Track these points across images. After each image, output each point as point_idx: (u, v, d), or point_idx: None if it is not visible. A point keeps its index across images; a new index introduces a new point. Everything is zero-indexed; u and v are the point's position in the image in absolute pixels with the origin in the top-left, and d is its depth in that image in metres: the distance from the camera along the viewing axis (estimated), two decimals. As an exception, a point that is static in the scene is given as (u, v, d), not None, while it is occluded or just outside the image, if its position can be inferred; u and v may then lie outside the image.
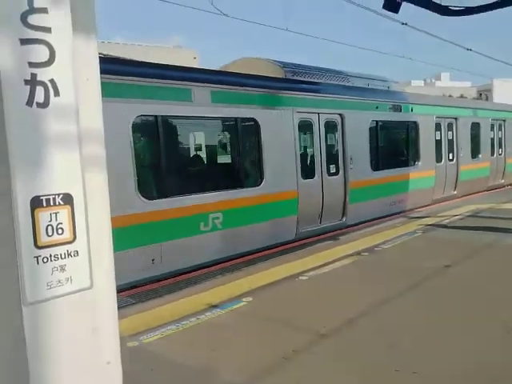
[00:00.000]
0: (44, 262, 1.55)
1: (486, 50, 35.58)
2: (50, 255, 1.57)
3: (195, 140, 8.31)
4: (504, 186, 17.09)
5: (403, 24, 11.70)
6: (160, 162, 6.86)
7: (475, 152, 15.01)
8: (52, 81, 1.65)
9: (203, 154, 8.45)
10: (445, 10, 9.23)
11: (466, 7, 9.24)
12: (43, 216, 1.56)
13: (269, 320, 4.53)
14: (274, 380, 3.39)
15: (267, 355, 3.75)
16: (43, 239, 1.55)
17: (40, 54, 1.64)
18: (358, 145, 10.27)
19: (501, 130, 16.97)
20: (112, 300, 1.74)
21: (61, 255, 1.59)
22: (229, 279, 6.03)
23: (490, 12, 9.09)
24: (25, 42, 1.60)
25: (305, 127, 9.33)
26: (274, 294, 5.34)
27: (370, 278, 5.81)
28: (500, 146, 16.91)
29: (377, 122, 11.00)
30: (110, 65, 6.34)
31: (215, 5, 12.45)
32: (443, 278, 5.70)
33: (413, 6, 8.89)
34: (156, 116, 6.72)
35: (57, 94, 1.66)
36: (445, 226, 9.07)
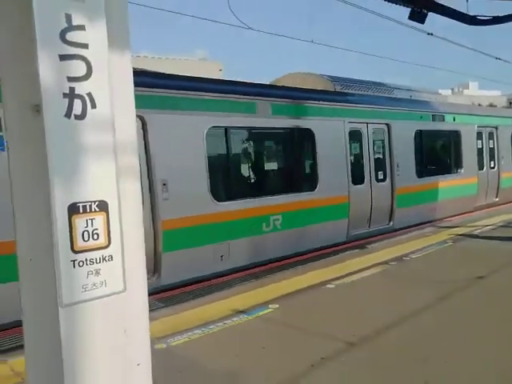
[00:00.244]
0: (80, 266, 1.63)
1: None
2: (86, 259, 1.65)
3: (258, 149, 9.09)
4: None
5: (429, 34, 11.56)
6: (228, 169, 7.83)
7: None
8: (89, 94, 1.74)
9: (265, 162, 9.18)
10: (472, 20, 9.10)
11: (494, 16, 9.08)
12: (80, 222, 1.64)
13: (295, 327, 4.53)
14: (299, 387, 3.39)
15: (294, 362, 3.75)
16: (79, 244, 1.64)
17: (78, 68, 1.72)
18: (403, 153, 10.83)
19: None
20: (143, 303, 1.81)
21: (96, 260, 1.67)
22: (255, 285, 6.06)
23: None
24: (64, 57, 1.69)
25: (355, 136, 9.95)
26: (301, 301, 5.34)
27: (398, 289, 5.73)
28: None
29: (421, 131, 11.50)
30: (187, 82, 7.25)
31: (240, 18, 12.63)
32: (476, 289, 5.55)
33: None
34: (225, 127, 7.53)
35: (93, 106, 1.75)
36: (476, 236, 8.84)
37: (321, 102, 9.10)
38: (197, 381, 3.59)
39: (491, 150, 14.21)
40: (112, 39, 1.83)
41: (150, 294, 6.57)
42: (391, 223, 10.53)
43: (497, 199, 14.29)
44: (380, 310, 4.94)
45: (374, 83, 11.39)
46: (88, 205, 1.67)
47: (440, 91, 16.50)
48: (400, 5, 9.86)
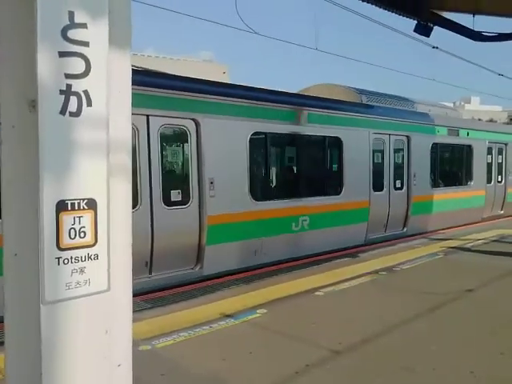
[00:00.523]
0: (65, 264, 1.62)
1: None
2: (71, 257, 1.64)
3: (292, 154, 9.71)
4: None
5: (434, 47, 11.65)
6: (266, 171, 8.58)
7: None
8: (86, 92, 1.74)
9: (297, 166, 9.79)
10: (477, 36, 9.17)
11: (499, 33, 9.15)
12: (67, 219, 1.63)
13: (282, 333, 4.54)
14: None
15: (279, 368, 3.75)
16: (65, 241, 1.63)
17: (77, 66, 1.72)
18: (420, 164, 11.59)
19: None
20: (127, 304, 1.80)
21: (81, 258, 1.66)
22: (245, 290, 6.06)
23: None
24: (63, 54, 1.68)
25: (377, 146, 10.66)
26: (289, 307, 5.34)
27: (386, 298, 5.74)
28: None
29: (437, 144, 12.28)
30: (234, 90, 7.94)
31: (246, 22, 12.73)
32: (465, 301, 5.57)
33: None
34: (266, 133, 8.18)
35: (89, 104, 1.74)
36: (468, 250, 8.88)
37: (350, 113, 9.80)
38: None
39: (499, 165, 15.12)
40: (113, 38, 1.82)
41: (191, 283, 6.84)
42: (405, 229, 11.23)
43: (502, 212, 15.13)
44: (368, 318, 4.95)
45: (396, 97, 12.16)
46: (77, 202, 1.66)
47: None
48: (405, 17, 9.92)
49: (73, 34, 1.70)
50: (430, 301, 5.54)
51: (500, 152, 15.19)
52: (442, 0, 9.76)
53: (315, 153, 9.98)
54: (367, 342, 4.29)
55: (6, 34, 1.68)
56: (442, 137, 12.48)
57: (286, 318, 4.98)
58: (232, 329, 4.59)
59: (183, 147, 7.30)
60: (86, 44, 1.73)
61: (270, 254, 8.09)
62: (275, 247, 8.20)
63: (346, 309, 5.34)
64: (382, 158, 10.81)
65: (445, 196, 12.46)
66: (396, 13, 9.44)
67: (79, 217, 1.66)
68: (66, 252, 1.62)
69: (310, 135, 9.13)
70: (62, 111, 1.68)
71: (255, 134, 7.92)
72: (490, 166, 14.59)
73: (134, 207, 6.23)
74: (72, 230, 1.64)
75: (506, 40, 10.20)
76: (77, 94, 1.72)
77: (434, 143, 12.09)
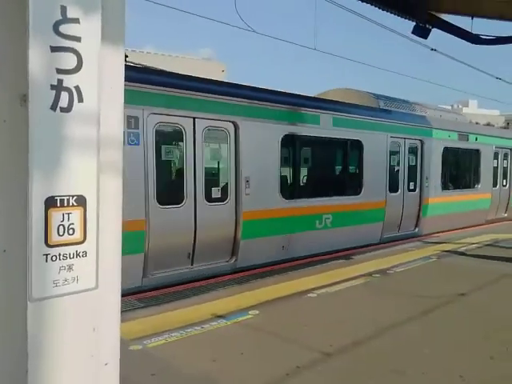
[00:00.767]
0: (53, 261, 1.60)
1: (518, 78, 34.77)
2: (59, 254, 1.62)
3: (317, 156, 10.34)
4: None
5: (432, 50, 11.68)
6: (294, 171, 9.00)
7: None
8: (77, 87, 1.72)
9: (322, 167, 10.52)
10: (475, 39, 9.19)
11: (497, 37, 9.18)
12: (56, 216, 1.61)
13: (273, 334, 4.52)
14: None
15: (270, 370, 3.74)
16: (54, 238, 1.60)
17: (68, 61, 1.70)
18: (432, 167, 12.12)
19: None
20: (115, 302, 1.78)
21: (69, 255, 1.64)
22: (238, 290, 6.05)
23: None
24: (55, 49, 1.66)
25: (394, 149, 11.16)
26: (281, 309, 5.33)
27: (379, 301, 5.75)
28: None
29: (448, 148, 12.78)
30: (268, 95, 8.41)
31: (245, 20, 12.72)
32: (458, 305, 5.58)
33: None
34: (295, 135, 8.66)
35: (80, 100, 1.72)
36: (461, 254, 8.91)
37: (370, 118, 10.32)
38: None
39: (505, 170, 15.76)
40: (107, 34, 1.81)
41: (227, 274, 6.99)
42: (416, 229, 11.75)
43: (505, 215, 15.72)
44: (360, 320, 4.95)
45: (411, 102, 12.65)
46: (66, 199, 1.64)
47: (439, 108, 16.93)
48: (404, 18, 9.92)
49: (65, 28, 1.68)
50: (422, 304, 5.54)
51: (505, 157, 15.82)
52: (440, 2, 9.77)
53: (338, 155, 10.58)
54: (359, 344, 4.29)
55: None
56: (453, 141, 12.99)
57: (278, 320, 4.96)
58: (224, 329, 4.58)
59: (223, 148, 7.83)
60: (77, 39, 1.72)
61: (296, 249, 8.59)
62: (300, 243, 8.68)
63: (339, 311, 5.33)
64: (398, 161, 11.31)
65: (454, 198, 13.00)
66: (394, 14, 9.44)
67: (68, 213, 1.64)
68: (54, 249, 1.60)
69: (334, 138, 9.61)
70: (53, 106, 1.66)
71: (286, 136, 8.41)
72: (496, 170, 15.16)
73: (180, 202, 6.86)
74: (61, 226, 1.62)
75: (505, 43, 10.23)
76: (68, 89, 1.70)
77: (445, 147, 12.59)
